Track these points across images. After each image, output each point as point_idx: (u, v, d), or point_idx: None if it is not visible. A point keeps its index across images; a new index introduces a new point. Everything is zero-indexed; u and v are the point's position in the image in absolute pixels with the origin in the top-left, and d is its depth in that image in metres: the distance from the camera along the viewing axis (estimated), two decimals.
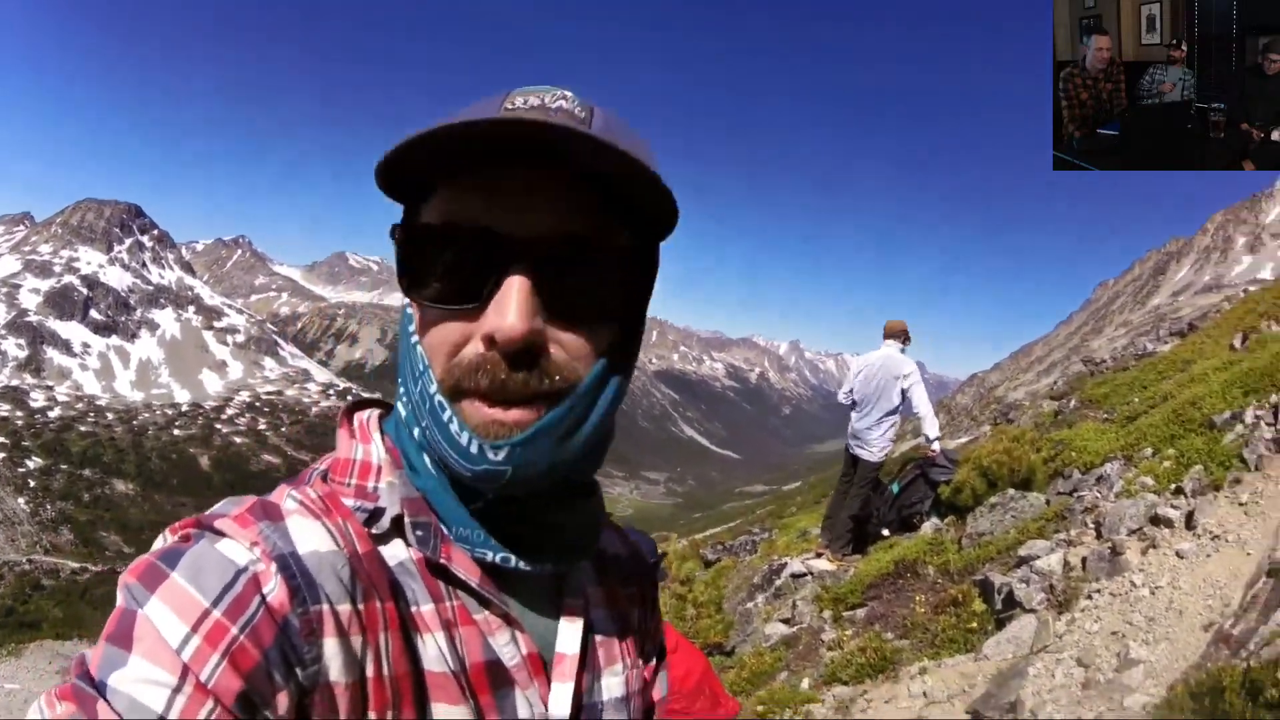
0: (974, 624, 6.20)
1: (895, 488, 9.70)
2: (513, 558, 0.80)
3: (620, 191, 0.74)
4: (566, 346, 0.75)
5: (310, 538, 0.72)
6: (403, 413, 0.83)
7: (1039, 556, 6.47)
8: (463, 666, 0.77)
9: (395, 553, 0.78)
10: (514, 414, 0.73)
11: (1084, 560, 6.34)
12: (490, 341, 0.72)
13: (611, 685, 0.92)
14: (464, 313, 0.74)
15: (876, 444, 8.93)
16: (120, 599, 0.66)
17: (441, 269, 0.75)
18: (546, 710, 0.82)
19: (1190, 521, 6.24)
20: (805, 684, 6.58)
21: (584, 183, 0.74)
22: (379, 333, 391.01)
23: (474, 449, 0.72)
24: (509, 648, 0.80)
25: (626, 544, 1.09)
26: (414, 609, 0.76)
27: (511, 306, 0.70)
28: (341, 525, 0.75)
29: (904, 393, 8.72)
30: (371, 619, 0.72)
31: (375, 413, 0.90)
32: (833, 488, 10.43)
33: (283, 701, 0.65)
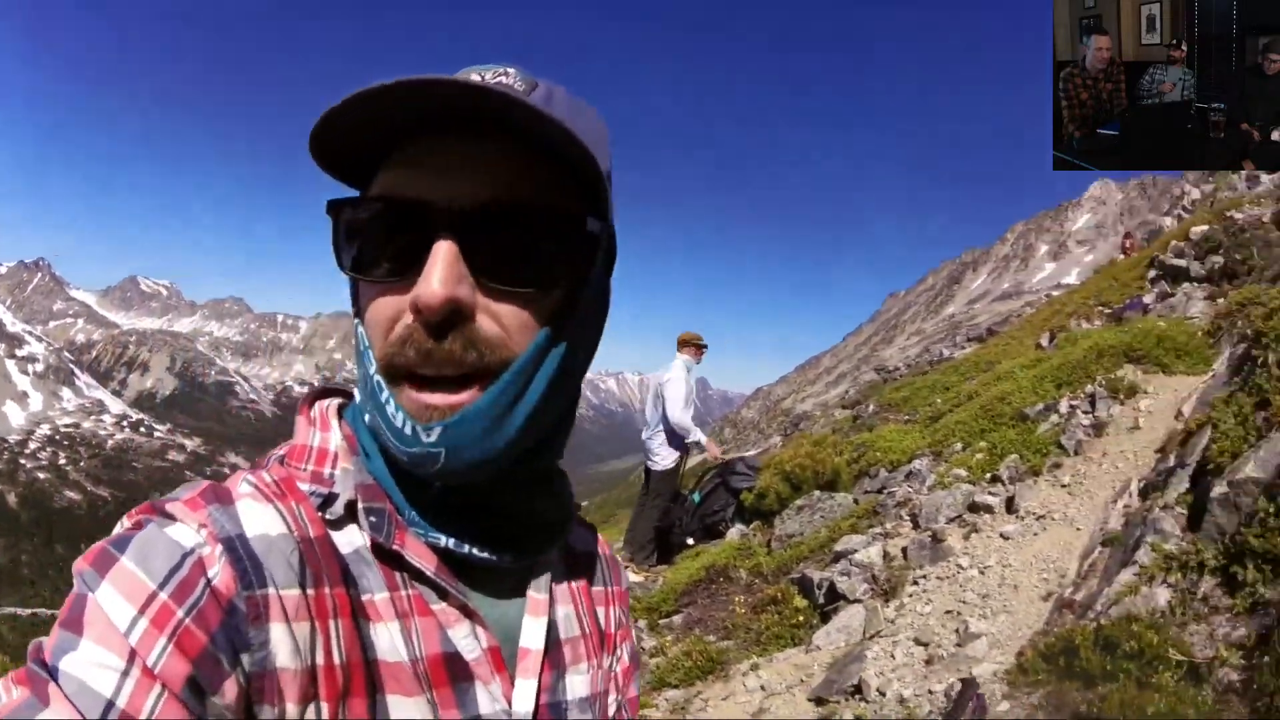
0: (798, 620, 6.34)
1: (696, 497, 9.93)
2: (465, 545, 0.78)
3: (563, 163, 0.74)
4: (501, 318, 0.73)
5: (260, 520, 0.71)
6: (358, 397, 0.82)
7: (857, 550, 6.70)
8: (418, 657, 0.75)
9: (349, 539, 0.76)
10: (447, 397, 0.71)
11: (904, 550, 6.62)
12: (416, 311, 0.70)
13: (577, 684, 0.90)
14: (397, 287, 0.73)
15: (660, 454, 9.22)
16: (75, 585, 0.65)
17: (374, 243, 0.74)
18: (510, 707, 0.80)
19: (1011, 506, 6.66)
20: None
21: (525, 154, 0.73)
22: (168, 360, 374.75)
23: (408, 430, 0.72)
24: (468, 640, 0.78)
25: (599, 543, 1.07)
26: (366, 597, 0.74)
27: (435, 272, 0.69)
28: (294, 509, 0.74)
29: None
30: (321, 606, 0.70)
31: (335, 401, 0.88)
32: (620, 506, 10.61)
33: (230, 688, 0.63)
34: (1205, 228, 12.05)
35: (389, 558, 0.77)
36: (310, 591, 0.70)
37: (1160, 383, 7.99)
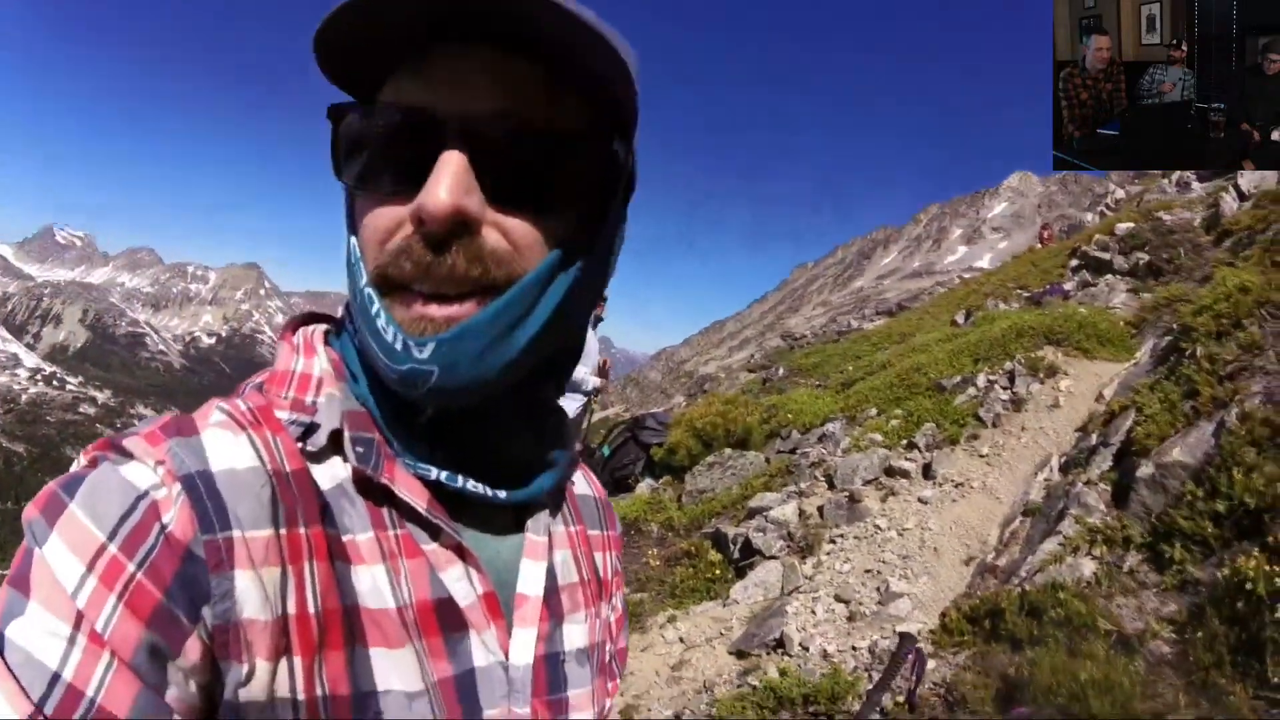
0: (714, 573, 6.39)
1: (606, 450, 9.89)
2: (459, 478, 0.72)
3: (579, 72, 0.67)
4: (510, 234, 0.67)
5: (227, 453, 0.64)
6: (347, 320, 0.77)
7: (771, 508, 6.76)
8: (407, 603, 0.68)
9: (332, 473, 0.70)
10: (445, 309, 0.66)
11: (820, 509, 6.73)
12: (419, 222, 0.65)
13: (574, 634, 0.83)
14: (397, 197, 0.67)
15: (562, 404, 9.37)
16: (25, 536, 0.60)
17: (375, 151, 0.68)
18: (506, 657, 0.74)
19: (928, 472, 6.87)
20: None
21: (537, 61, 0.67)
22: (80, 313, 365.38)
23: (398, 345, 0.66)
24: (461, 584, 0.72)
25: (595, 485, 1.01)
26: (348, 537, 0.68)
27: (442, 181, 0.64)
28: (269, 440, 0.67)
29: None
30: (295, 547, 0.64)
31: (322, 327, 0.81)
32: None
33: (193, 648, 0.58)
34: (1131, 225, 12.42)
35: (376, 493, 0.70)
36: (283, 531, 0.64)
37: (1081, 366, 8.28)
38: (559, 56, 0.66)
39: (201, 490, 0.61)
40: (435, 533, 0.71)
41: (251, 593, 0.60)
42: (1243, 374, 5.09)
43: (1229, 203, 11.03)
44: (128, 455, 0.62)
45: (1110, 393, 7.04)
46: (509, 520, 0.80)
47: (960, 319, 13.38)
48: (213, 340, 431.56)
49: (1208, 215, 11.51)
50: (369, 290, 0.68)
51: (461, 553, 0.72)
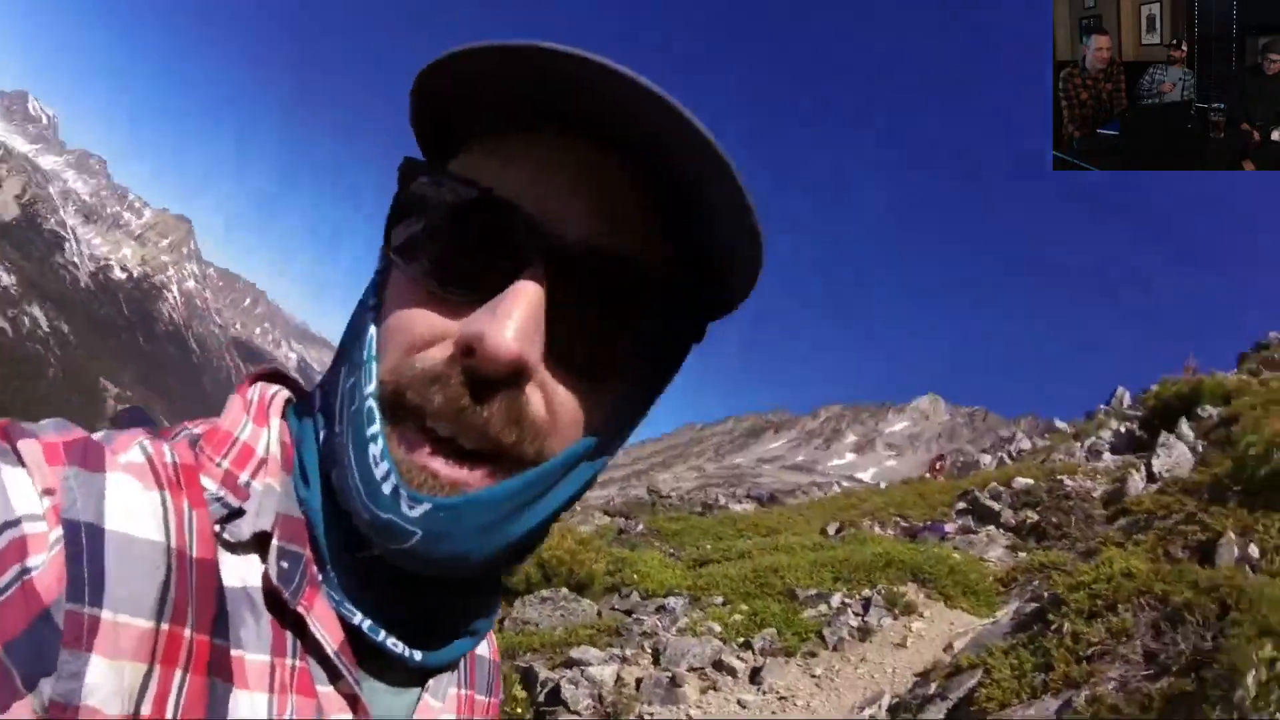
0: (515, 710, 6.17)
1: None
2: (382, 631, 0.64)
3: (689, 205, 0.60)
4: (554, 402, 0.60)
5: (129, 514, 0.54)
6: (318, 403, 0.67)
7: (591, 664, 6.62)
8: None
9: (243, 574, 0.60)
10: (454, 470, 0.58)
11: (639, 681, 6.53)
12: (468, 350, 0.57)
13: None
14: (449, 302, 0.60)
15: None
16: None
17: (442, 235, 0.61)
18: None
19: (756, 677, 6.70)
20: None
21: (647, 181, 0.60)
22: (20, 188, 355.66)
23: (387, 489, 0.57)
24: None
25: (495, 649, 0.93)
26: (238, 653, 0.58)
27: (514, 315, 0.56)
28: (184, 512, 0.57)
29: None
30: (172, 649, 0.54)
31: (283, 393, 0.71)
32: None
33: (21, 711, 0.47)
34: (1030, 482, 12.72)
35: (286, 617, 0.61)
36: (164, 627, 0.54)
37: (938, 611, 8.24)
38: (676, 184, 0.58)
39: (84, 551, 0.52)
40: (335, 675, 0.62)
41: (104, 685, 0.50)
42: (1104, 658, 4.97)
43: (1136, 481, 11.02)
44: (15, 458, 0.53)
45: (961, 645, 6.90)
46: (412, 674, 0.71)
47: (831, 530, 13.54)
48: (124, 277, 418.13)
49: (1111, 490, 11.54)
50: (372, 405, 0.59)
51: (355, 705, 0.63)
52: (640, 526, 14.96)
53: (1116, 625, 5.29)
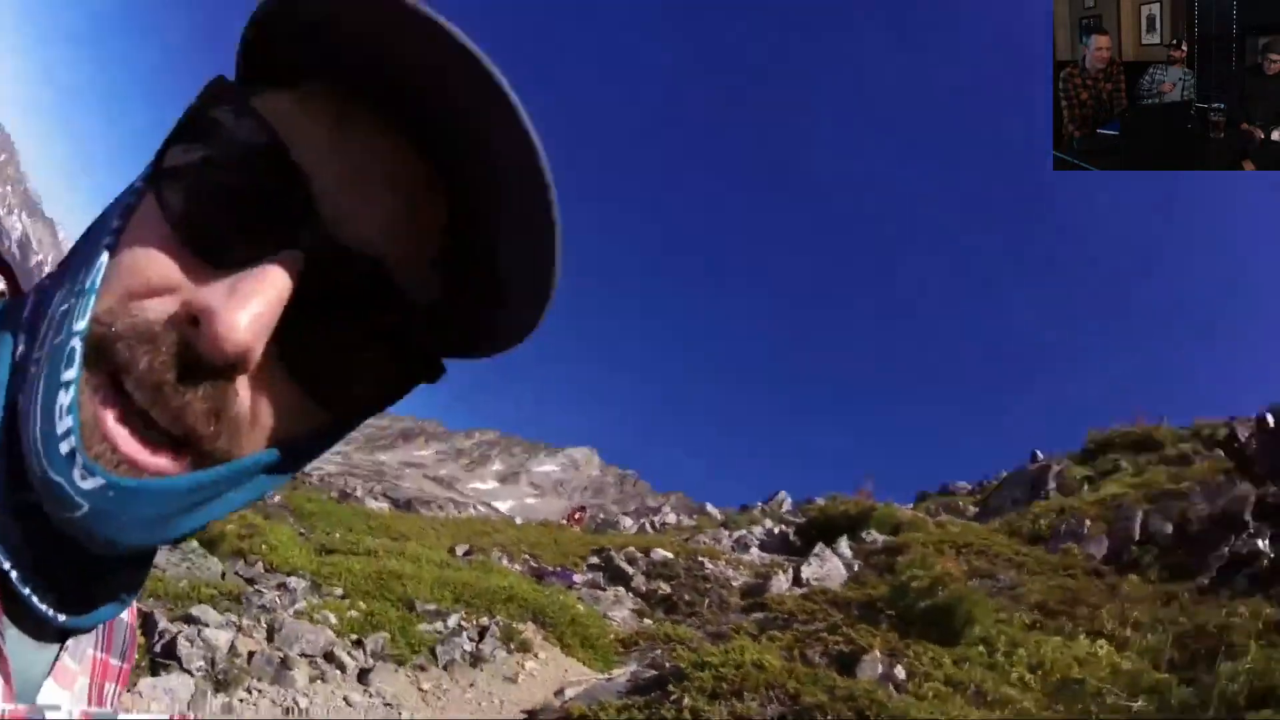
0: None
1: None
2: (28, 587, 0.57)
3: (484, 227, 0.57)
4: (259, 404, 0.55)
5: None
6: (28, 308, 0.59)
7: (209, 625, 6.55)
8: None
9: None
10: (139, 451, 0.52)
11: (251, 655, 6.54)
12: (193, 320, 0.50)
13: None
14: (190, 252, 0.52)
15: None
16: None
17: (213, 174, 0.54)
18: None
19: (364, 677, 6.85)
20: None
21: (444, 178, 0.56)
22: None
23: (64, 448, 0.50)
24: None
25: (133, 614, 0.88)
26: None
27: (254, 302, 0.50)
28: None
29: None
30: None
31: None
32: None
33: None
34: (670, 555, 13.15)
35: None
36: None
37: (554, 655, 8.42)
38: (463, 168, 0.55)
39: None
40: None
41: None
42: None
43: (781, 581, 11.46)
44: None
45: (573, 694, 7.16)
46: (53, 632, 0.64)
47: (460, 550, 13.58)
48: None
49: (754, 583, 11.94)
50: (77, 345, 0.51)
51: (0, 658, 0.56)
52: (278, 498, 14.76)
53: (741, 710, 5.54)
